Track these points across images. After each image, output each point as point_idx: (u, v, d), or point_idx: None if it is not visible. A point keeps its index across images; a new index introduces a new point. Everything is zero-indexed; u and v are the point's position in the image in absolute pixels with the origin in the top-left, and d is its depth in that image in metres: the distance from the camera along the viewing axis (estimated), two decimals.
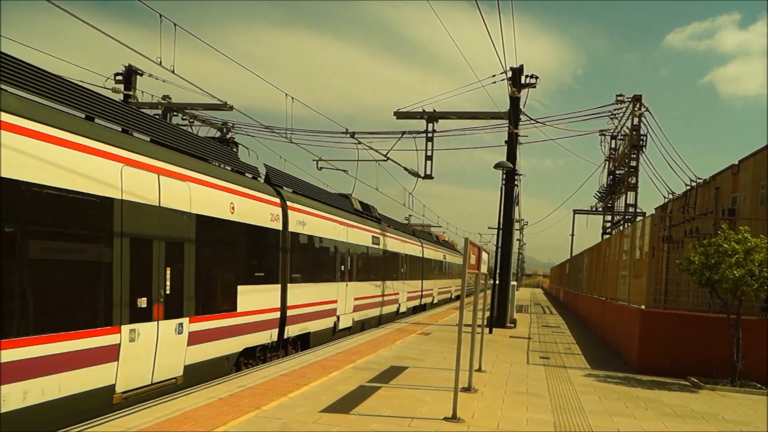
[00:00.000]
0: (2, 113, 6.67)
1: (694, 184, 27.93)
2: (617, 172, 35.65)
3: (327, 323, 17.30)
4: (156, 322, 9.23)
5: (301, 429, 7.35)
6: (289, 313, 14.40)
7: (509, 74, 22.01)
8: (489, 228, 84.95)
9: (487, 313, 18.97)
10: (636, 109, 29.28)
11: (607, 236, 34.05)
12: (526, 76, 22.42)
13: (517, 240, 72.16)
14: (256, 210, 12.75)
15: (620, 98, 29.24)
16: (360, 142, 24.08)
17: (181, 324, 9.90)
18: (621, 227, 32.31)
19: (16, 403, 6.74)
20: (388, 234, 25.33)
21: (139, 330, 8.79)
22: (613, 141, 35.40)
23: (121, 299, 8.41)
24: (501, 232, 22.14)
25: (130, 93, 23.82)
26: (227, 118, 28.31)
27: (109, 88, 22.34)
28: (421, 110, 24.48)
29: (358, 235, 20.31)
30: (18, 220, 6.89)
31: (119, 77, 23.90)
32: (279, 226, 13.89)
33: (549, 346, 17.65)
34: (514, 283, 24.20)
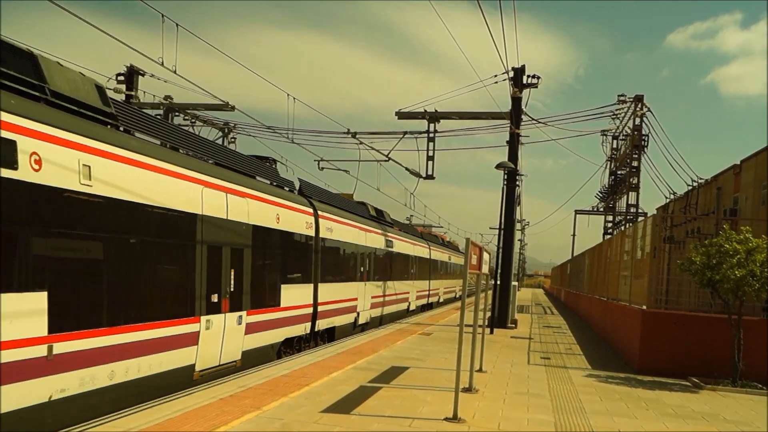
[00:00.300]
0: (136, 154, 8.80)
1: (695, 184, 27.89)
2: (619, 172, 35.65)
3: (349, 319, 19.26)
4: (224, 314, 11.14)
5: (301, 429, 7.36)
6: (320, 309, 16.30)
7: (511, 74, 21.98)
8: (490, 228, 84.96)
9: (488, 314, 18.96)
10: (638, 109, 29.27)
11: (609, 236, 34.04)
12: (528, 76, 22.40)
13: (519, 240, 72.12)
14: (295, 219, 14.68)
15: (622, 98, 29.23)
16: (361, 143, 24.11)
17: (240, 316, 11.80)
18: (622, 227, 32.30)
19: (134, 374, 8.67)
20: (399, 237, 26.90)
21: (212, 320, 10.70)
22: (615, 141, 35.42)
23: (201, 295, 10.35)
24: (502, 232, 22.14)
25: (132, 93, 23.84)
26: (229, 118, 28.36)
27: (111, 89, 22.36)
28: (423, 110, 24.47)
29: (374, 239, 22.11)
30: (139, 233, 8.88)
31: (121, 77, 23.92)
32: (312, 232, 15.82)
33: (550, 346, 17.65)
34: (515, 283, 24.19)
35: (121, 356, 8.41)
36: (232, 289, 11.39)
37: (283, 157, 19.70)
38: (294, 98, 19.47)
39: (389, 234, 24.96)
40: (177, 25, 12.92)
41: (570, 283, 42.40)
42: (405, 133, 25.03)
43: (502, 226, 21.96)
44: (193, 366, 10.25)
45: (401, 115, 24.87)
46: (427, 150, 25.03)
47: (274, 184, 14.42)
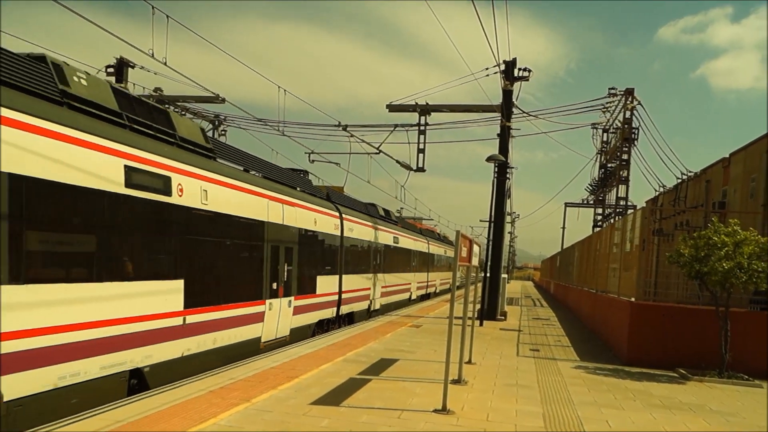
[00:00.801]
0: (228, 178, 11.88)
1: (685, 177, 28.06)
2: (609, 165, 35.75)
3: (364, 305, 22.56)
4: (280, 299, 14.22)
5: (291, 421, 7.37)
6: (343, 296, 19.51)
7: (502, 67, 21.99)
8: (481, 221, 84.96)
9: (478, 306, 19.02)
10: (628, 102, 29.36)
11: (598, 229, 34.19)
12: (519, 69, 22.39)
13: (509, 233, 72.25)
14: (327, 222, 17.79)
15: (612, 91, 29.30)
16: (352, 135, 24.07)
17: (290, 300, 14.90)
18: (612, 220, 32.44)
19: (226, 341, 11.72)
20: (403, 234, 29.86)
21: (272, 303, 13.80)
22: (605, 134, 35.55)
23: (266, 282, 13.45)
24: (492, 224, 22.18)
25: (122, 86, 23.66)
26: (219, 110, 28.25)
27: None
28: (414, 103, 24.46)
29: (383, 236, 25.20)
30: (232, 237, 12.02)
31: (111, 69, 23.73)
32: (338, 232, 18.92)
33: (539, 338, 17.73)
34: (505, 275, 24.26)
35: (219, 327, 11.47)
36: (285, 279, 14.47)
37: (275, 150, 19.74)
38: (285, 90, 19.42)
39: (395, 231, 27.88)
40: (167, 16, 12.84)
41: (559, 275, 42.56)
42: (396, 125, 25.00)
43: (493, 219, 22.00)
44: (259, 338, 13.30)
45: (392, 108, 24.85)
46: (418, 143, 25.05)
47: (309, 192, 17.38)
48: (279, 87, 19.26)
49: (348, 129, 24.09)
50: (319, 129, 25.27)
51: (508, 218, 29.20)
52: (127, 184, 8.74)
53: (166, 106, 26.42)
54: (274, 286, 13.87)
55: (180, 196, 10.07)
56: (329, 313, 18.20)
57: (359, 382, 9.82)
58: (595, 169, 38.03)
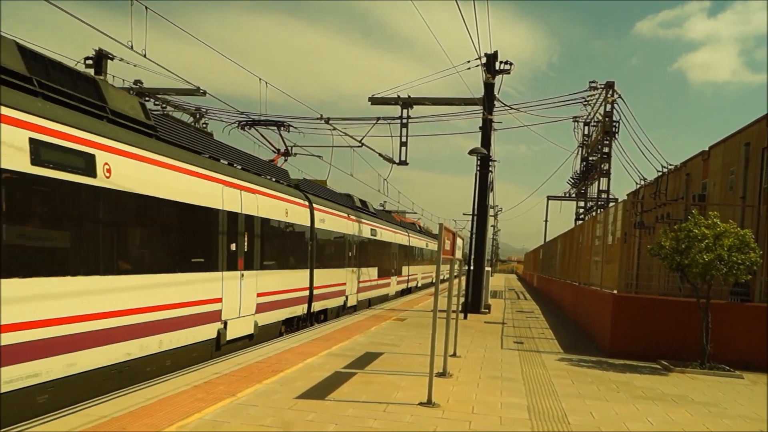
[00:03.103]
0: (385, 228, 29.79)
1: (665, 170, 28.30)
2: (590, 158, 35.96)
3: (415, 283, 38.21)
4: (393, 276, 30.35)
5: (276, 415, 7.34)
6: (410, 277, 35.45)
7: (484, 60, 22.01)
8: (464, 214, 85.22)
9: (462, 299, 19.07)
10: (608, 95, 29.52)
11: (580, 222, 34.40)
12: (501, 63, 22.42)
13: (492, 226, 72.39)
14: (404, 238, 33.19)
15: (593, 85, 29.44)
16: (335, 128, 24.00)
17: (396, 278, 31.05)
18: (594, 213, 32.65)
19: (381, 293, 27.41)
20: (428, 240, 45.02)
21: (393, 278, 30.15)
22: (586, 127, 35.76)
23: (392, 268, 29.85)
24: (476, 218, 22.23)
25: (101, 78, 23.33)
26: (200, 103, 28.07)
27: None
28: (396, 96, 24.44)
29: (419, 242, 40.72)
30: (381, 249, 27.52)
31: (89, 61, 23.42)
32: (408, 243, 34.56)
33: (523, 331, 17.83)
34: (489, 269, 24.35)
35: (381, 287, 27.05)
36: (396, 267, 30.23)
37: (257, 143, 19.51)
38: (266, 83, 19.34)
39: (425, 239, 44.02)
40: (146, 8, 12.71)
41: (542, 268, 42.80)
42: (378, 118, 24.97)
43: (476, 212, 22.05)
44: (388, 294, 28.38)
45: (374, 101, 24.81)
46: (401, 136, 25.06)
47: (397, 223, 33.06)
48: (260, 79, 19.21)
49: (330, 122, 24.02)
50: (302, 122, 25.19)
51: (491, 211, 29.90)
52: (371, 234, 23.71)
53: (147, 99, 26.17)
54: (393, 270, 29.29)
55: (376, 236, 24.58)
56: (405, 286, 34.11)
57: (344, 375, 9.81)
58: (576, 163, 38.31)
